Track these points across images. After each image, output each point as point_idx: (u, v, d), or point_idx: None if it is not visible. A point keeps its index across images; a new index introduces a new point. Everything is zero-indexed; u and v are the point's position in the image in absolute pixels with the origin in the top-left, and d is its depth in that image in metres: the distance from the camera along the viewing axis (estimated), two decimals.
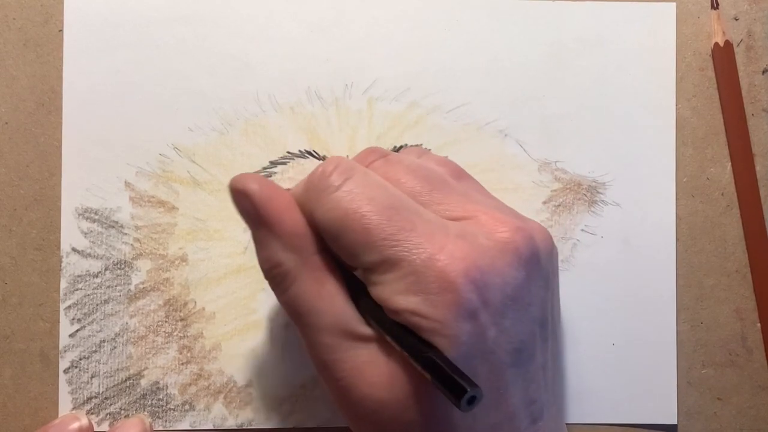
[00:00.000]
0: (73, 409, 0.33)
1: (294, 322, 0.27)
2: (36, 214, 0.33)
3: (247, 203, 0.26)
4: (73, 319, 0.33)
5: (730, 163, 0.34)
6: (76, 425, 0.31)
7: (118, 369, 0.33)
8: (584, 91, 0.34)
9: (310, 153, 0.34)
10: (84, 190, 0.33)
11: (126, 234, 0.33)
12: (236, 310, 0.33)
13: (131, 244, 0.33)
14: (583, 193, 0.34)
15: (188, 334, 0.33)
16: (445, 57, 0.34)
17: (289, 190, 0.27)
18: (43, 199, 0.33)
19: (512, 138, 0.34)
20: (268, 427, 0.33)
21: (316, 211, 0.26)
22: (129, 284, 0.33)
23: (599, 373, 0.34)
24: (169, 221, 0.33)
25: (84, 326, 0.33)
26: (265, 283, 0.27)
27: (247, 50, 0.34)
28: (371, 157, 0.28)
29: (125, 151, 0.33)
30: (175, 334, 0.33)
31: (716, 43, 0.34)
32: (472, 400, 0.22)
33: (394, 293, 0.24)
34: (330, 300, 0.26)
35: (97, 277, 0.33)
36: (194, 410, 0.33)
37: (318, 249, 0.26)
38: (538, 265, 0.26)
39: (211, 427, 0.33)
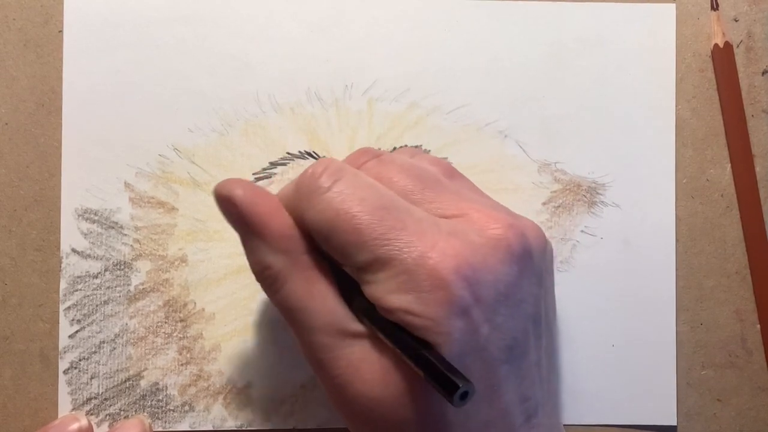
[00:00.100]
0: (73, 409, 0.33)
1: (288, 322, 0.27)
2: (36, 214, 0.33)
3: (233, 209, 0.26)
4: (73, 320, 0.33)
5: (729, 165, 0.34)
6: (75, 426, 0.31)
7: (117, 370, 0.33)
8: (584, 92, 0.34)
9: (310, 154, 0.34)
10: (84, 190, 0.33)
11: (126, 235, 0.33)
12: (236, 311, 0.33)
13: (131, 245, 0.33)
14: (583, 194, 0.34)
15: (188, 335, 0.33)
16: (445, 57, 0.34)
17: (278, 192, 0.28)
18: (43, 199, 0.33)
19: (512, 139, 0.34)
20: (267, 428, 0.33)
21: (307, 212, 0.26)
22: (129, 285, 0.33)
23: (599, 373, 0.34)
24: (169, 222, 0.33)
25: (84, 327, 0.33)
26: None
27: (247, 50, 0.34)
28: (364, 157, 0.29)
29: (125, 151, 0.33)
30: (174, 334, 0.33)
31: (716, 44, 0.34)
32: (464, 396, 0.22)
33: (387, 292, 0.24)
34: (321, 299, 0.26)
35: (96, 278, 0.33)
36: (194, 411, 0.33)
37: (307, 249, 0.26)
38: (530, 261, 0.26)
39: (211, 428, 0.33)
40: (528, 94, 0.34)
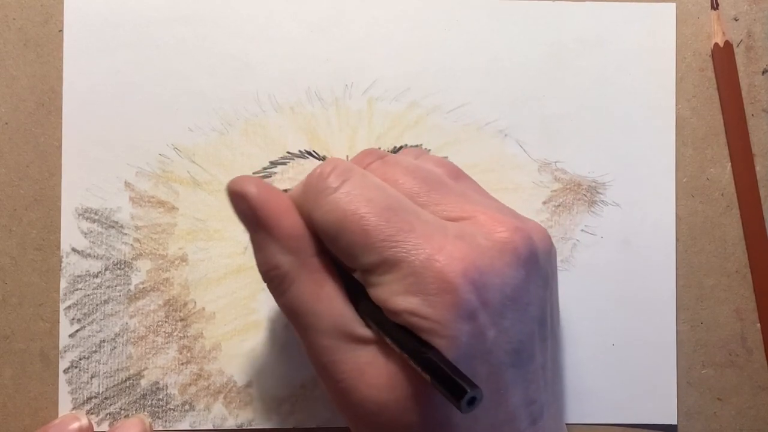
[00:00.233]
0: (73, 409, 0.33)
1: (292, 324, 0.27)
2: (36, 214, 0.33)
3: (245, 206, 0.26)
4: (73, 319, 0.33)
5: (730, 164, 0.34)
6: (76, 425, 0.31)
7: (118, 369, 0.33)
8: (584, 91, 0.34)
9: (310, 153, 0.34)
10: (84, 190, 0.33)
11: (126, 234, 0.33)
12: (236, 310, 0.33)
13: (131, 245, 0.33)
14: (583, 193, 0.34)
15: (188, 334, 0.33)
16: (445, 57, 0.34)
17: (287, 191, 0.27)
18: (43, 199, 0.33)
19: (512, 138, 0.34)
20: (267, 427, 0.33)
21: (315, 212, 0.26)
22: (129, 284, 0.33)
23: (599, 373, 0.34)
24: (169, 221, 0.33)
25: (84, 326, 0.33)
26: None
27: (247, 50, 0.34)
28: (368, 158, 0.28)
29: (125, 151, 0.33)
30: (175, 334, 0.33)
31: (716, 44, 0.34)
32: (472, 401, 0.22)
33: (393, 294, 0.24)
34: (329, 302, 0.26)
35: (97, 277, 0.33)
36: (194, 410, 0.33)
37: (316, 251, 0.26)
38: (536, 264, 0.26)
39: (211, 427, 0.33)
40: (528, 93, 0.34)
